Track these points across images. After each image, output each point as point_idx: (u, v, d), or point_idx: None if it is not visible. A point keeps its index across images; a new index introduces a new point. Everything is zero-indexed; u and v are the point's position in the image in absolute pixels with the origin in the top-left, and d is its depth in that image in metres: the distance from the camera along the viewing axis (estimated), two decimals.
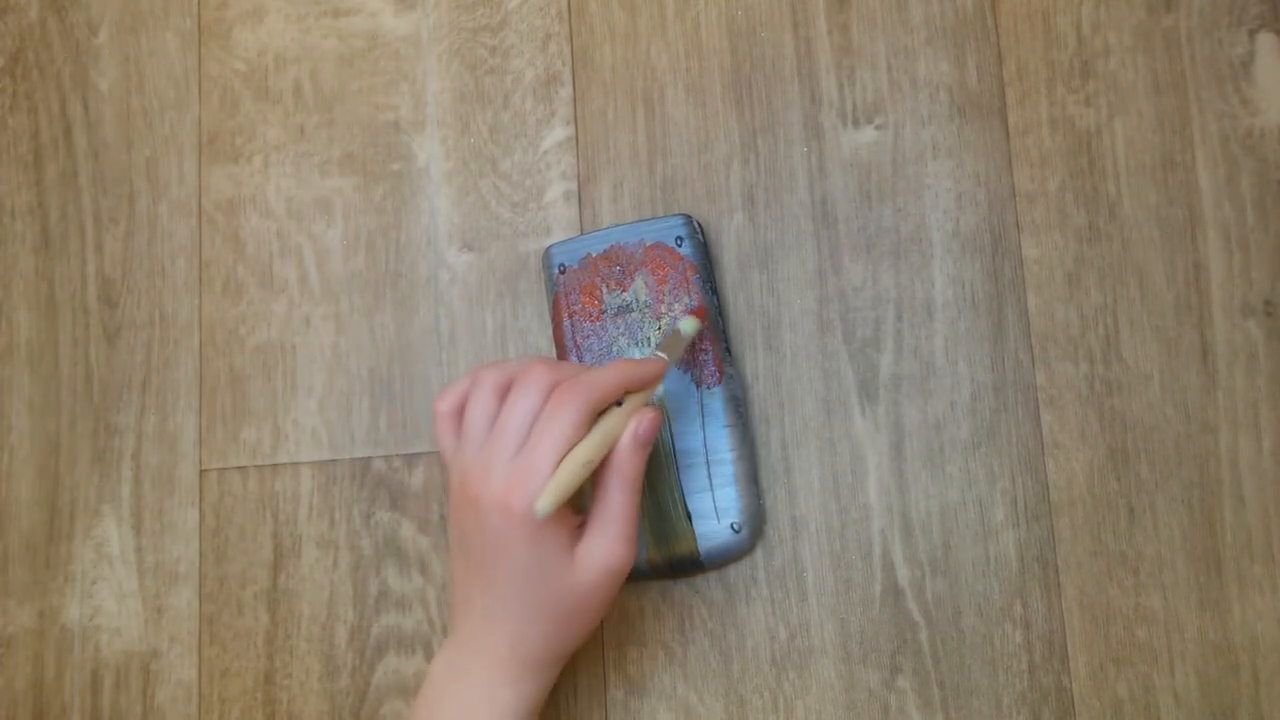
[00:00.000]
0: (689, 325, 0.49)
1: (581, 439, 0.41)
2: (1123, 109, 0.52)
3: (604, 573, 0.42)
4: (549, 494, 0.40)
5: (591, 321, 0.52)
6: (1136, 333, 0.51)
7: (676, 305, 0.51)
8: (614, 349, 0.52)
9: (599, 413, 0.42)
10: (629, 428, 0.42)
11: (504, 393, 0.44)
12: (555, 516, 0.41)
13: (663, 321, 0.51)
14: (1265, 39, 0.52)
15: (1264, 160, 0.51)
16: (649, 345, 0.51)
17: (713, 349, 0.51)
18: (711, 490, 0.50)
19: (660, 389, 0.51)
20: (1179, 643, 0.49)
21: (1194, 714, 0.48)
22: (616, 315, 0.52)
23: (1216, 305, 0.51)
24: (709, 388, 0.51)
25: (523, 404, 0.42)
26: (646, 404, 0.45)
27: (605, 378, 0.42)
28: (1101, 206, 0.52)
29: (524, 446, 0.41)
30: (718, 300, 0.52)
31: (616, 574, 0.42)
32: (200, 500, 0.55)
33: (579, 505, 0.45)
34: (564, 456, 0.41)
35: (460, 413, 0.45)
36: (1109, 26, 0.53)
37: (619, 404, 0.44)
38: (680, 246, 0.52)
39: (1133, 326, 0.51)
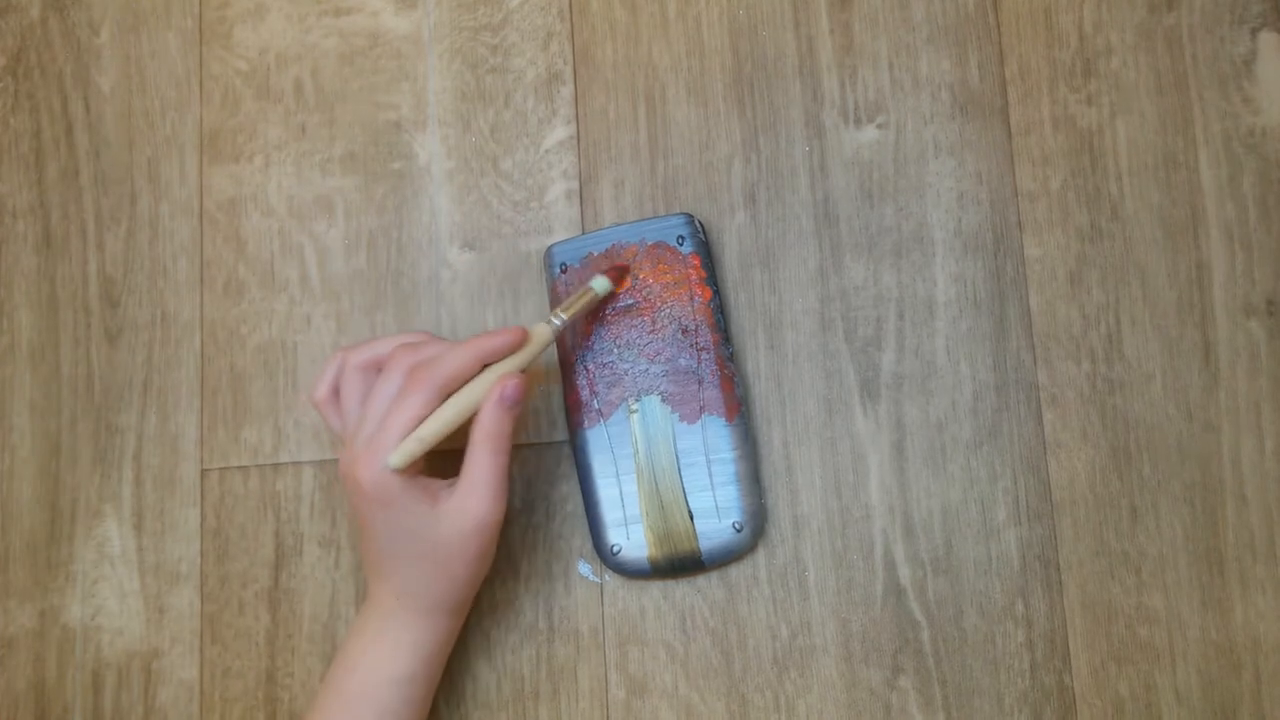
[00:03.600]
0: (600, 284, 0.50)
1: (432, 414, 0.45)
2: (1125, 108, 0.52)
3: (471, 528, 0.45)
4: (399, 453, 0.44)
5: (594, 321, 0.52)
6: (1139, 332, 0.51)
7: (678, 305, 0.51)
8: (616, 348, 0.52)
9: (453, 390, 0.46)
10: (493, 393, 0.45)
11: (371, 371, 0.48)
12: (408, 482, 0.45)
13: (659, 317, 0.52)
14: (1267, 38, 0.52)
15: (1266, 159, 0.51)
16: (649, 345, 0.51)
17: (714, 347, 0.51)
18: (713, 489, 0.50)
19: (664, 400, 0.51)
20: (1181, 642, 0.49)
21: (1195, 713, 0.48)
22: (618, 314, 0.52)
23: (1219, 304, 0.51)
24: (714, 415, 0.51)
25: (383, 389, 0.46)
26: (519, 368, 0.47)
27: (457, 359, 0.46)
28: (1103, 205, 0.52)
29: (378, 428, 0.45)
30: (720, 299, 0.52)
31: (484, 528, 0.46)
32: (201, 500, 0.55)
33: (442, 470, 0.47)
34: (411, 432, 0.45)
35: (336, 395, 0.49)
36: (1111, 25, 0.53)
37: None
38: (682, 245, 0.52)
39: (1135, 325, 0.51)
